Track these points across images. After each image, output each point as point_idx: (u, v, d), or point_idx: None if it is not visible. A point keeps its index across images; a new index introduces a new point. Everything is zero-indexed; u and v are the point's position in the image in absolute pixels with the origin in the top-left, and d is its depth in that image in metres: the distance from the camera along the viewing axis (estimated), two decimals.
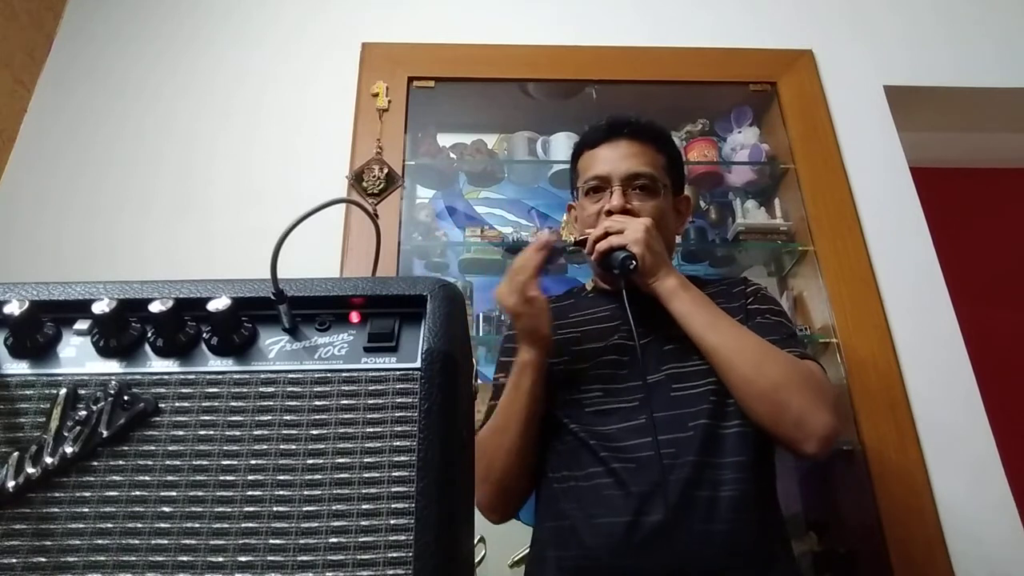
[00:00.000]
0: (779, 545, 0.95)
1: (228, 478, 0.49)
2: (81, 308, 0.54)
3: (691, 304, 0.99)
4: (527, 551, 1.08)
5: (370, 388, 0.52)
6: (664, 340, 1.02)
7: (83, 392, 0.51)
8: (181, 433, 0.50)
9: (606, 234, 1.02)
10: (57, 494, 0.48)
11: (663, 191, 1.09)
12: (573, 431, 1.01)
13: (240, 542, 0.47)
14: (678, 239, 1.76)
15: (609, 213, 1.06)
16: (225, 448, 0.50)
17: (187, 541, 0.47)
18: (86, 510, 0.48)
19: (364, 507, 0.48)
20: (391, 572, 0.46)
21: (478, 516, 0.86)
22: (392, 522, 0.47)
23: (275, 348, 0.54)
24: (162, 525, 0.47)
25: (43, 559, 0.46)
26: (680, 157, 1.20)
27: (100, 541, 0.47)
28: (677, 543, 0.88)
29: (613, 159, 1.10)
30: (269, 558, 0.46)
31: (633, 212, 1.06)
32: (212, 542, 0.47)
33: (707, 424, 0.94)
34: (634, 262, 0.98)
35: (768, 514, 0.95)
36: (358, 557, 0.46)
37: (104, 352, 0.53)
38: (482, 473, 0.98)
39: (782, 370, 0.93)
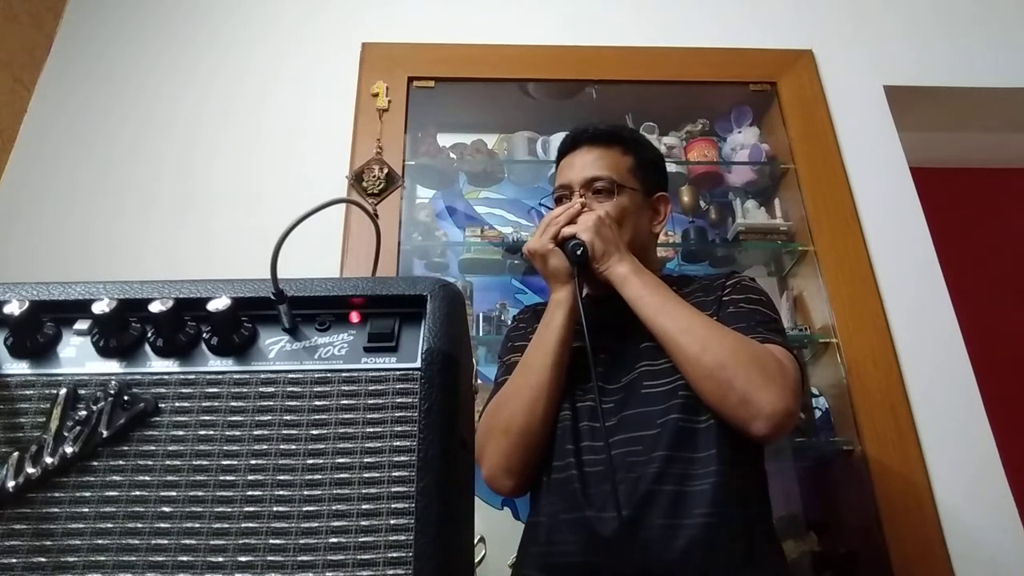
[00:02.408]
0: (761, 542, 0.93)
1: (228, 478, 0.49)
2: (81, 308, 0.54)
3: (642, 288, 1.00)
4: None
5: (370, 388, 0.52)
6: (642, 338, 1.02)
7: (83, 392, 0.51)
8: (181, 433, 0.50)
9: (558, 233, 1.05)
10: (57, 494, 0.48)
11: (624, 191, 1.11)
12: (555, 428, 1.02)
13: (240, 542, 0.47)
14: (678, 238, 1.77)
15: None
16: (225, 448, 0.50)
17: (187, 541, 0.47)
18: (86, 510, 0.48)
19: (364, 507, 0.48)
20: (391, 572, 0.46)
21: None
22: (392, 522, 0.47)
23: (275, 348, 0.54)
24: (162, 525, 0.47)
25: (43, 559, 0.46)
26: (656, 158, 1.21)
27: (100, 541, 0.47)
28: (639, 539, 0.88)
29: (575, 167, 1.14)
30: (269, 558, 0.46)
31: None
32: (212, 542, 0.47)
33: (677, 419, 0.94)
34: (582, 248, 1.01)
35: (749, 510, 0.93)
36: (358, 557, 0.46)
37: (104, 352, 0.53)
38: (502, 424, 0.99)
39: (729, 348, 0.92)
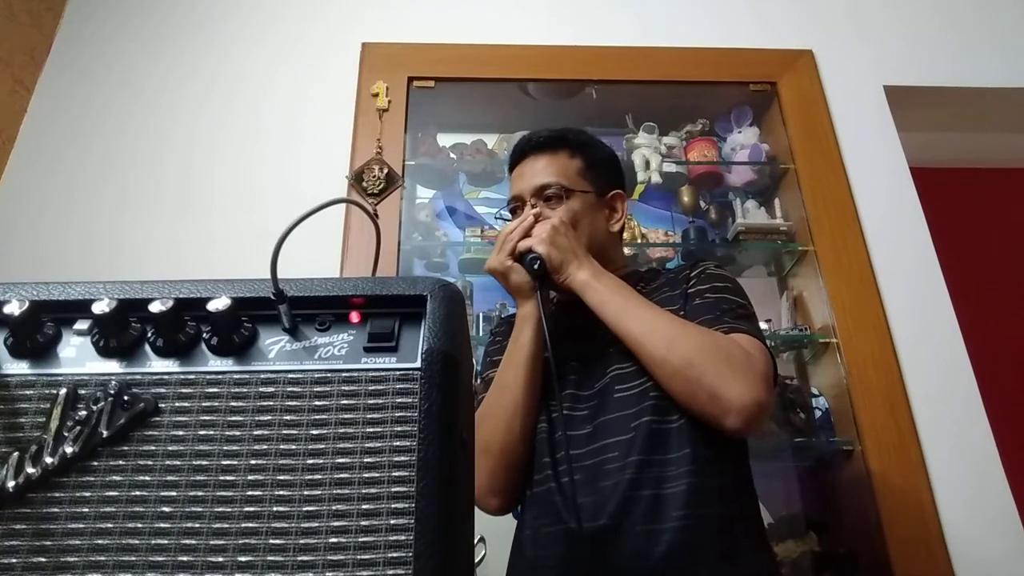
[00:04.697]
0: (744, 540, 0.92)
1: (228, 478, 0.49)
2: (81, 308, 0.54)
3: (604, 293, 0.98)
4: None
5: (370, 388, 0.52)
6: (610, 342, 1.01)
7: (83, 392, 0.51)
8: (181, 433, 0.50)
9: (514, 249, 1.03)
10: (57, 494, 0.48)
11: (574, 195, 1.10)
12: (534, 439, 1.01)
13: (240, 542, 0.47)
14: (678, 238, 1.77)
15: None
16: (225, 448, 0.50)
17: (187, 541, 0.47)
18: (86, 510, 0.48)
19: (364, 507, 0.48)
20: (391, 572, 0.46)
21: (479, 515, 0.86)
22: (392, 522, 0.47)
23: (275, 348, 0.54)
24: (162, 525, 0.47)
25: (43, 559, 0.46)
26: (606, 157, 1.20)
27: (100, 541, 0.47)
28: (620, 547, 0.87)
29: (524, 177, 1.13)
30: (269, 558, 0.46)
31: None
32: (212, 542, 0.47)
33: (649, 421, 0.93)
34: (539, 261, 1.00)
35: (729, 508, 0.92)
36: (358, 557, 0.46)
37: (104, 352, 0.53)
38: (482, 445, 0.97)
39: (694, 345, 0.91)
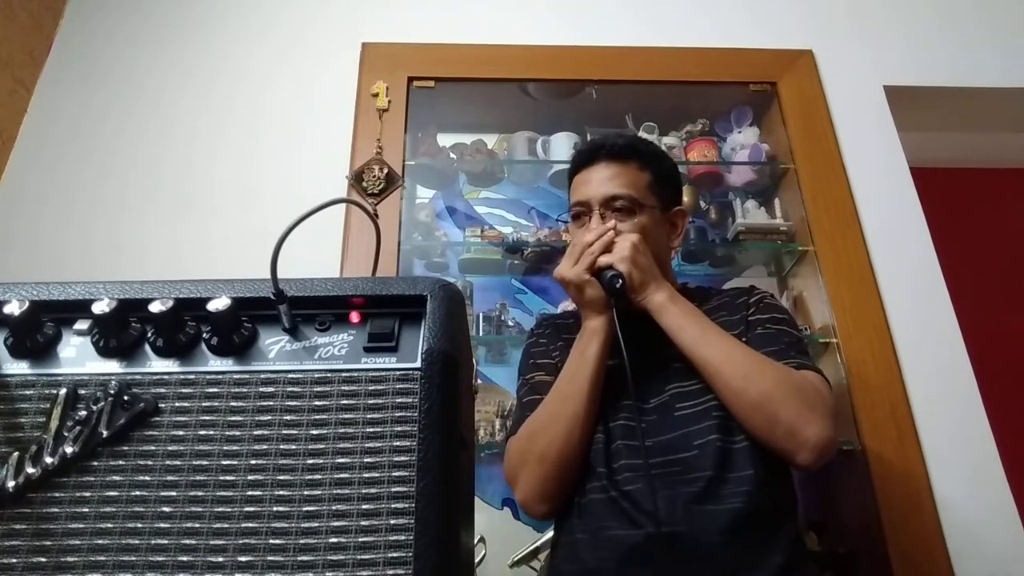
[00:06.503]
0: (796, 554, 0.94)
1: (228, 478, 0.49)
2: (81, 308, 0.54)
3: (680, 318, 1.00)
4: (527, 551, 1.07)
5: (370, 388, 0.52)
6: (669, 359, 1.02)
7: (83, 392, 0.51)
8: (181, 433, 0.50)
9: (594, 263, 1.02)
10: (57, 494, 0.48)
11: (644, 209, 1.09)
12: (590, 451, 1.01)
13: (240, 542, 0.47)
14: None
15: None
16: (225, 448, 0.50)
17: (187, 541, 0.47)
18: (86, 510, 0.48)
19: (364, 507, 0.48)
20: (391, 572, 0.46)
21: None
22: (392, 522, 0.47)
23: (275, 348, 0.54)
24: (162, 525, 0.47)
25: (43, 559, 0.46)
26: (671, 171, 1.19)
27: (100, 541, 0.47)
28: (681, 559, 0.88)
29: (592, 183, 1.12)
30: (269, 558, 0.46)
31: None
32: (212, 542, 0.47)
33: (715, 439, 0.94)
34: (620, 280, 0.99)
35: (784, 527, 0.94)
36: (358, 557, 0.46)
37: (104, 352, 0.53)
38: (538, 452, 0.98)
39: (772, 380, 0.93)
